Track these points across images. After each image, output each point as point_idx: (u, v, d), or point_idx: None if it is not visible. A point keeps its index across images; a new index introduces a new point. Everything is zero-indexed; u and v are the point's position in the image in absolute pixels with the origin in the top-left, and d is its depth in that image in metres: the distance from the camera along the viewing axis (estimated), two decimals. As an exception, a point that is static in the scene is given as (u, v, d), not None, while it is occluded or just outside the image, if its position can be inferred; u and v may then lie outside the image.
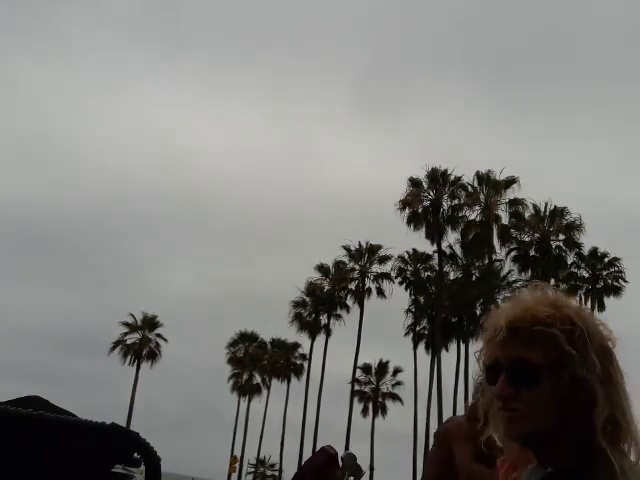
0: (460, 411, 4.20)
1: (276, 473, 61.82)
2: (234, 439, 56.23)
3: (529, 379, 1.18)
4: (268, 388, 57.31)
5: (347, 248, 47.90)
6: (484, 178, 40.47)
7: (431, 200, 40.79)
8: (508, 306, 1.25)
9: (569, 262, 40.86)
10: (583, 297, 41.06)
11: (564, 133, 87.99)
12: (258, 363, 57.00)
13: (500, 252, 40.70)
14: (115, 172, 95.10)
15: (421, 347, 45.07)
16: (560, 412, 1.18)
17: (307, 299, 49.49)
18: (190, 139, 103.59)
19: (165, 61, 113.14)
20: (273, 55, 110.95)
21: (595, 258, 40.83)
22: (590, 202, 66.94)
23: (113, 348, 50.26)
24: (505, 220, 40.31)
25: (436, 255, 41.91)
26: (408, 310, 45.32)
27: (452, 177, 41.25)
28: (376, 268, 47.30)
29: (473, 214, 40.48)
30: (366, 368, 51.46)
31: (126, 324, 51.22)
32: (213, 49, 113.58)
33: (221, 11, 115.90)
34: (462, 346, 41.45)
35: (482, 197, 40.31)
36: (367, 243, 47.76)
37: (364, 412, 51.03)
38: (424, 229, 40.55)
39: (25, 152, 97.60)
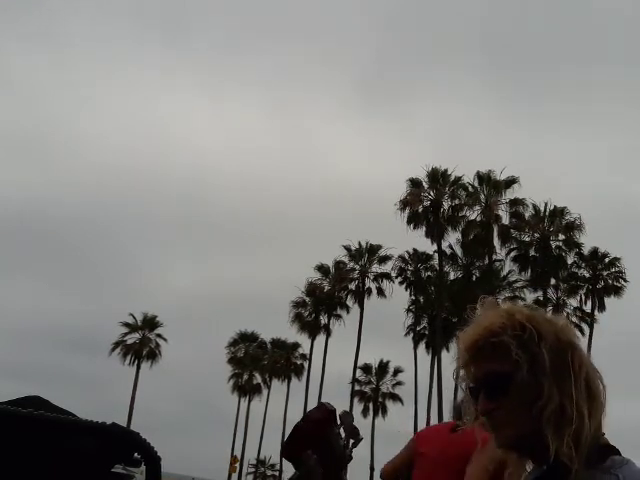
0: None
1: (276, 473, 61.85)
2: (234, 439, 56.34)
3: (501, 389, 1.28)
4: (268, 388, 57.42)
5: (347, 248, 47.95)
6: (484, 178, 40.49)
7: (431, 200, 40.80)
8: (470, 327, 1.35)
9: (569, 262, 40.90)
10: (583, 297, 41.15)
11: (565, 133, 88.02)
12: (258, 363, 57.03)
13: (500, 252, 40.76)
14: (115, 171, 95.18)
15: (421, 347, 45.15)
16: (534, 413, 1.24)
17: (307, 299, 49.50)
18: (190, 138, 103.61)
19: (165, 58, 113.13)
20: (273, 52, 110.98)
21: (595, 258, 40.85)
22: (590, 201, 66.99)
23: (114, 349, 50.34)
24: (505, 220, 40.38)
25: (436, 255, 41.96)
26: (408, 310, 45.37)
27: (452, 177, 41.29)
28: (376, 268, 47.36)
29: (473, 214, 40.56)
30: (366, 368, 51.50)
31: (126, 324, 51.26)
32: (212, 44, 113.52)
33: (221, 4, 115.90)
34: (462, 346, 41.42)
35: (482, 197, 40.34)
36: (367, 243, 47.81)
37: (364, 412, 51.09)
38: (424, 229, 40.59)
39: (24, 149, 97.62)
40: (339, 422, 2.26)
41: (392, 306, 46.68)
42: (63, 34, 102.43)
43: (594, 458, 1.22)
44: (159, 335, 51.69)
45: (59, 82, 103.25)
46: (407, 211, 40.58)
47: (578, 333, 1.35)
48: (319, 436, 2.00)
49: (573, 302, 41.35)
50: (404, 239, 49.58)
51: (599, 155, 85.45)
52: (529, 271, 40.38)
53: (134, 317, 51.61)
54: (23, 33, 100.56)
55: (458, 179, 41.13)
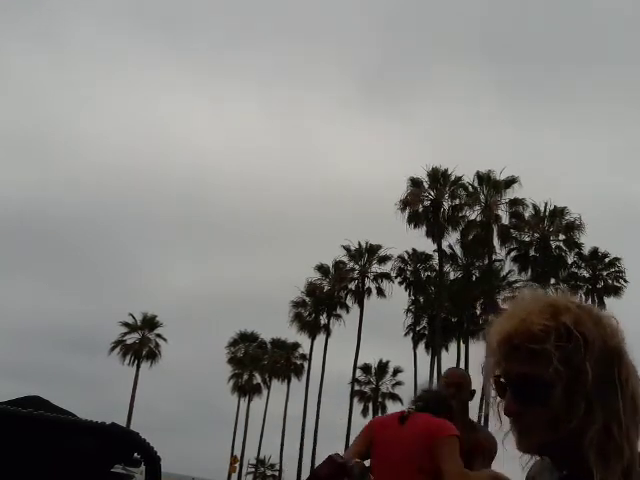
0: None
1: (276, 473, 61.87)
2: (234, 439, 56.35)
3: (532, 396, 1.18)
4: (268, 388, 57.43)
5: (347, 248, 47.97)
6: (484, 178, 40.52)
7: (431, 200, 40.81)
8: (505, 317, 1.23)
9: (569, 262, 40.93)
10: (583, 297, 41.15)
11: (565, 133, 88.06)
12: (258, 363, 57.05)
13: (500, 252, 40.81)
14: (115, 171, 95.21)
15: (421, 347, 45.19)
16: (564, 425, 1.16)
17: (307, 299, 49.52)
18: (190, 138, 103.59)
19: (165, 58, 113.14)
20: (273, 52, 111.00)
21: (595, 258, 40.89)
22: (590, 201, 67.00)
23: (113, 348, 50.36)
24: (505, 220, 40.42)
25: (436, 255, 41.99)
26: (408, 310, 45.40)
27: (452, 177, 41.33)
28: (376, 268, 47.39)
29: (473, 214, 40.60)
30: (366, 368, 51.53)
31: (126, 324, 51.28)
32: (212, 43, 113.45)
33: (221, 4, 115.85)
34: (462, 346, 41.51)
35: (482, 197, 40.37)
36: (367, 243, 47.85)
37: (364, 412, 51.10)
38: (424, 229, 40.63)
39: (24, 148, 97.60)
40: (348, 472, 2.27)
41: (392, 306, 46.77)
42: (63, 34, 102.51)
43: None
44: (159, 335, 51.77)
45: (59, 82, 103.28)
46: (407, 211, 40.63)
47: (623, 330, 1.22)
48: None
49: (573, 302, 41.33)
50: (404, 239, 49.66)
51: (599, 155, 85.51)
52: (529, 271, 40.41)
53: (134, 317, 51.70)
54: (23, 33, 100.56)
55: (458, 179, 41.17)
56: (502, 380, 1.23)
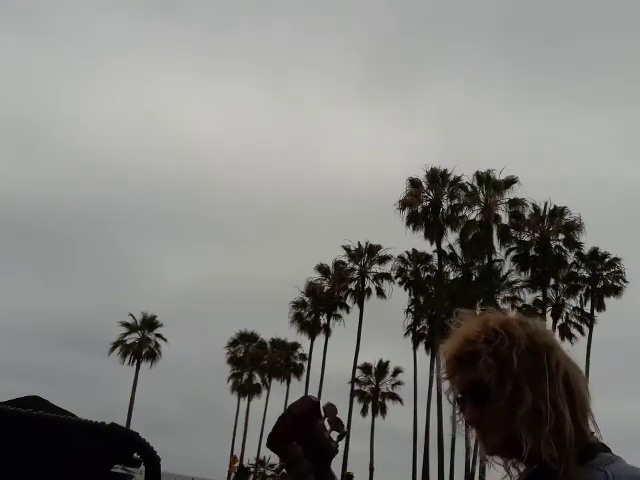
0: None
1: (276, 473, 61.83)
2: (234, 439, 56.34)
3: (482, 397, 1.29)
4: (268, 388, 57.42)
5: (347, 248, 47.94)
6: (484, 178, 40.50)
7: (431, 200, 40.80)
8: (449, 339, 1.38)
9: (569, 262, 40.88)
10: (583, 297, 41.13)
11: (566, 132, 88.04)
12: (258, 363, 57.03)
13: (500, 252, 40.77)
14: (115, 170, 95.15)
15: (421, 347, 45.17)
16: (517, 417, 1.25)
17: (307, 299, 49.50)
18: (192, 138, 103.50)
19: (162, 42, 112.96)
20: (274, 49, 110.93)
21: (595, 258, 40.82)
22: (591, 201, 67.00)
23: (113, 348, 50.35)
24: (505, 220, 40.40)
25: (436, 255, 41.96)
26: (408, 310, 45.37)
27: (451, 177, 41.34)
28: (376, 268, 47.37)
29: (473, 214, 40.58)
30: (366, 368, 51.52)
31: (126, 324, 51.26)
32: (209, 21, 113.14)
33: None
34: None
35: (482, 197, 40.34)
36: (367, 243, 47.83)
37: (364, 412, 51.09)
38: (424, 229, 40.60)
39: (23, 146, 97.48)
40: (323, 414, 2.27)
41: (392, 306, 46.75)
42: (57, 18, 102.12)
43: (584, 456, 1.22)
44: (159, 335, 51.75)
45: (53, 75, 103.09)
46: (406, 211, 40.62)
47: (555, 333, 1.37)
48: (303, 427, 2.01)
49: (573, 302, 41.39)
50: (404, 239, 49.62)
51: (600, 155, 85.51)
52: (529, 271, 40.37)
53: (134, 317, 51.67)
54: (12, 15, 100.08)
55: (457, 179, 41.17)
56: (459, 396, 1.35)
